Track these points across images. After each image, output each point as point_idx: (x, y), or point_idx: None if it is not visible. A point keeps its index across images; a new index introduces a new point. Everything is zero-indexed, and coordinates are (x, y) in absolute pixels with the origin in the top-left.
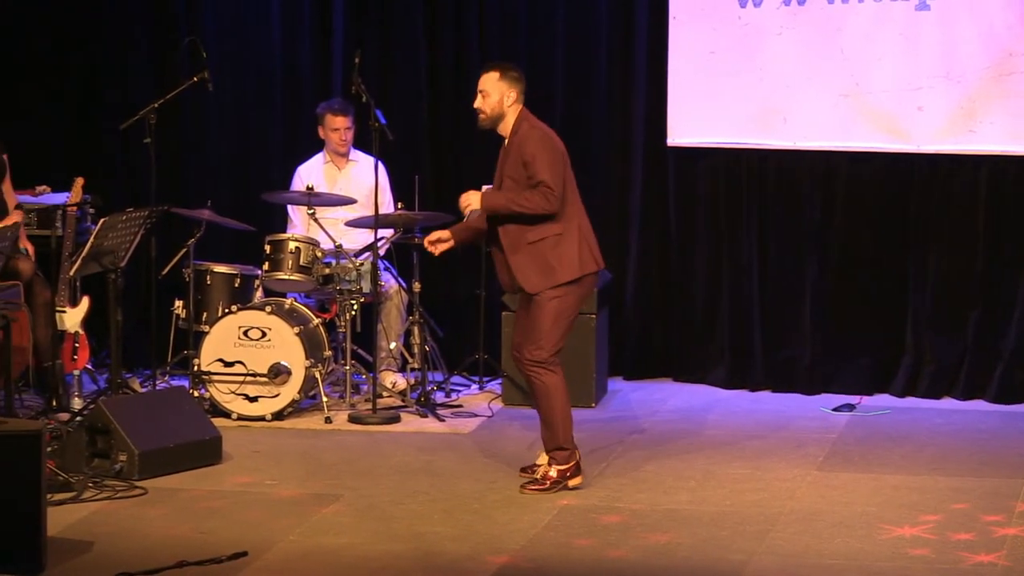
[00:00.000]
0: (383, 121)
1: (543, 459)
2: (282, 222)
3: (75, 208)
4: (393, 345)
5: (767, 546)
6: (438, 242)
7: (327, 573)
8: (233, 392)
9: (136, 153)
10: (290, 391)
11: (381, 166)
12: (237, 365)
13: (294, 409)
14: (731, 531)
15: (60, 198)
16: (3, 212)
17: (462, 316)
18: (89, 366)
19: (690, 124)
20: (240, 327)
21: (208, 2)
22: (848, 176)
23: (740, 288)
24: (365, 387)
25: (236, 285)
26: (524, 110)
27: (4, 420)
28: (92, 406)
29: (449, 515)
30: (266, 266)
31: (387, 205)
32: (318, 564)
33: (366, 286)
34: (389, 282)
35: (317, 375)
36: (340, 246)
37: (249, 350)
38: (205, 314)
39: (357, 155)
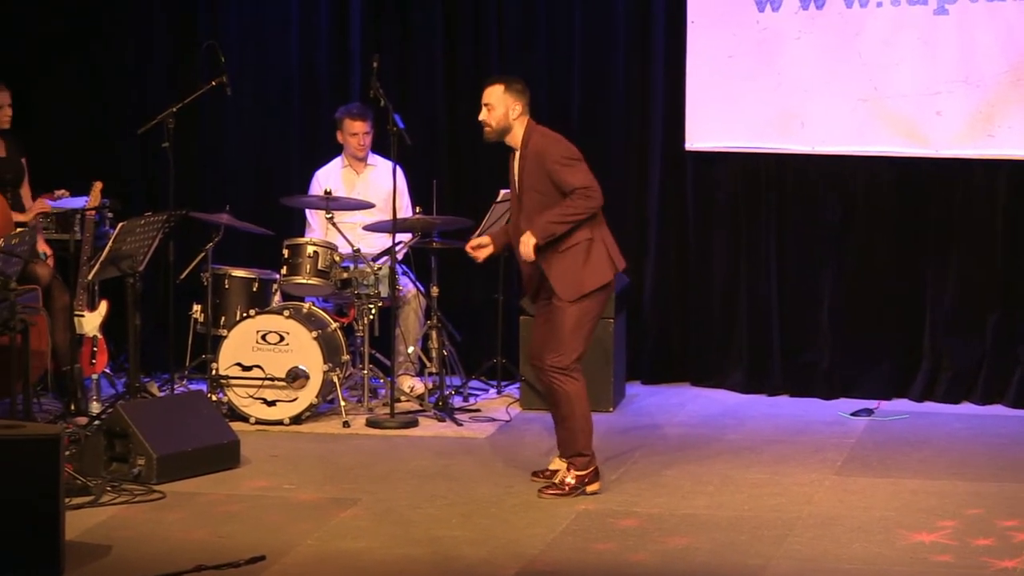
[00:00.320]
0: (401, 125)
1: (556, 464)
2: (300, 226)
3: (93, 212)
4: (411, 349)
5: (785, 551)
6: (479, 248)
7: None
8: (251, 396)
9: (154, 157)
10: (308, 395)
11: (399, 170)
12: (255, 369)
13: (312, 413)
14: (749, 536)
15: (79, 202)
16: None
17: (480, 320)
18: (107, 370)
19: (708, 128)
20: (258, 331)
21: (227, 7)
22: (866, 181)
23: (758, 292)
24: (383, 391)
25: (254, 289)
26: (531, 121)
27: (23, 424)
28: (110, 410)
29: (467, 519)
30: (284, 270)
31: (405, 209)
32: (336, 568)
33: (384, 290)
34: (407, 286)
35: (335, 379)
36: (358, 250)
37: (267, 354)
38: (223, 318)
39: (375, 159)
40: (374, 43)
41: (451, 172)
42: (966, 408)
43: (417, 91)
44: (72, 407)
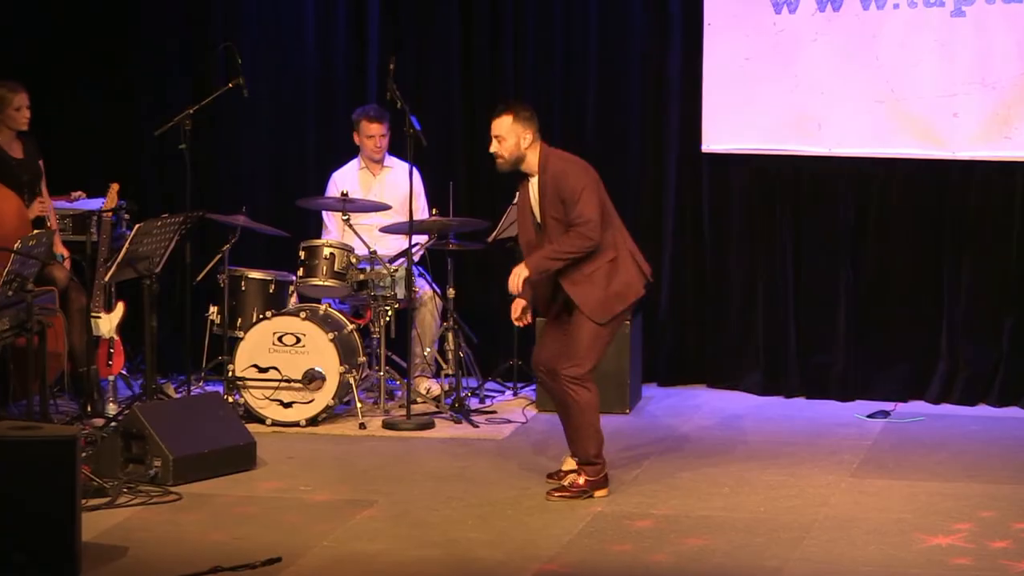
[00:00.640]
0: (418, 127)
1: (568, 464)
2: (317, 228)
3: (110, 214)
4: (427, 351)
5: (801, 553)
6: (523, 314)
7: None
8: (267, 398)
9: (171, 159)
10: (324, 397)
11: (416, 172)
12: (271, 371)
13: (328, 415)
14: (765, 537)
15: (95, 204)
16: (40, 219)
17: (496, 322)
18: (124, 372)
19: (724, 130)
20: (275, 333)
21: (244, 9)
22: (883, 182)
23: (774, 294)
24: (399, 393)
25: (271, 291)
26: (544, 145)
27: (39, 425)
28: (127, 411)
29: (483, 521)
30: (301, 272)
31: (421, 211)
32: (352, 570)
33: (400, 292)
34: (423, 288)
35: (351, 381)
36: (375, 252)
37: (283, 356)
38: (240, 320)
39: (392, 161)
40: (391, 45)
41: (467, 174)
42: (982, 410)
43: (434, 93)
44: (89, 408)
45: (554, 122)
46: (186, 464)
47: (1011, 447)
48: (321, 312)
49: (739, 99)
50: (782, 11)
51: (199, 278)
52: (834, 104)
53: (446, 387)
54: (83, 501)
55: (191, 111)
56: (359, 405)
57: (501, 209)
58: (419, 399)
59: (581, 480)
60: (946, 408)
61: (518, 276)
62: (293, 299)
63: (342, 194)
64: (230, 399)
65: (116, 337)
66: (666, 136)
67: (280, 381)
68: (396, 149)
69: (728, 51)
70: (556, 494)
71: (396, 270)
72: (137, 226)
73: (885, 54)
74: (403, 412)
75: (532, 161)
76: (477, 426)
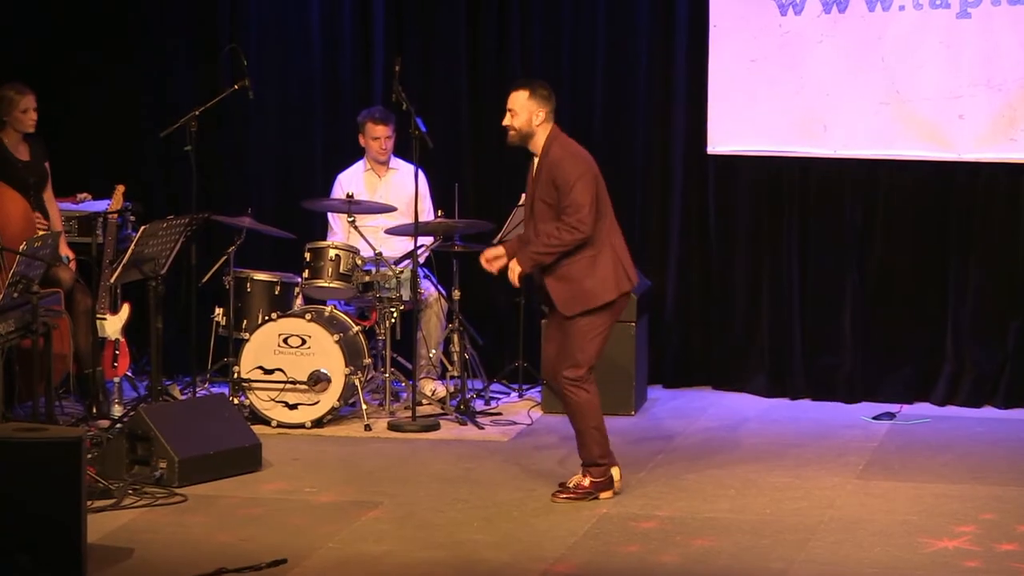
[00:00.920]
0: (423, 129)
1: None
2: (322, 230)
3: (116, 215)
4: (433, 353)
5: (807, 554)
6: (494, 260)
7: None
8: (273, 399)
9: (177, 161)
10: (330, 399)
11: (421, 174)
12: (277, 372)
13: (334, 417)
14: (771, 539)
15: (101, 205)
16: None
17: (502, 324)
18: (129, 373)
19: (730, 132)
20: (280, 334)
21: (250, 10)
22: (888, 184)
23: (780, 296)
24: (404, 395)
25: (276, 292)
26: (555, 128)
27: (45, 427)
28: (132, 413)
29: (489, 523)
30: (306, 273)
31: (427, 213)
32: (357, 571)
33: (406, 294)
34: (429, 289)
35: (357, 383)
36: (380, 254)
37: (289, 357)
38: (245, 321)
39: (397, 163)
40: (396, 46)
41: (473, 175)
42: (988, 412)
43: (439, 94)
44: (94, 410)
45: (561, 124)
46: (191, 466)
47: (1017, 449)
48: (326, 314)
49: (745, 101)
50: (788, 13)
51: (205, 280)
52: (840, 106)
53: (451, 389)
54: (89, 503)
55: (197, 113)
56: (364, 407)
57: (506, 211)
58: (424, 401)
59: (586, 482)
60: (952, 410)
61: (513, 272)
62: (298, 301)
63: (348, 196)
64: (235, 401)
65: (122, 339)
66: (672, 138)
67: (285, 383)
68: (402, 151)
69: (734, 53)
70: (561, 496)
71: (401, 272)
72: (143, 228)
73: (891, 56)
74: (408, 414)
75: (539, 140)
76: (482, 428)
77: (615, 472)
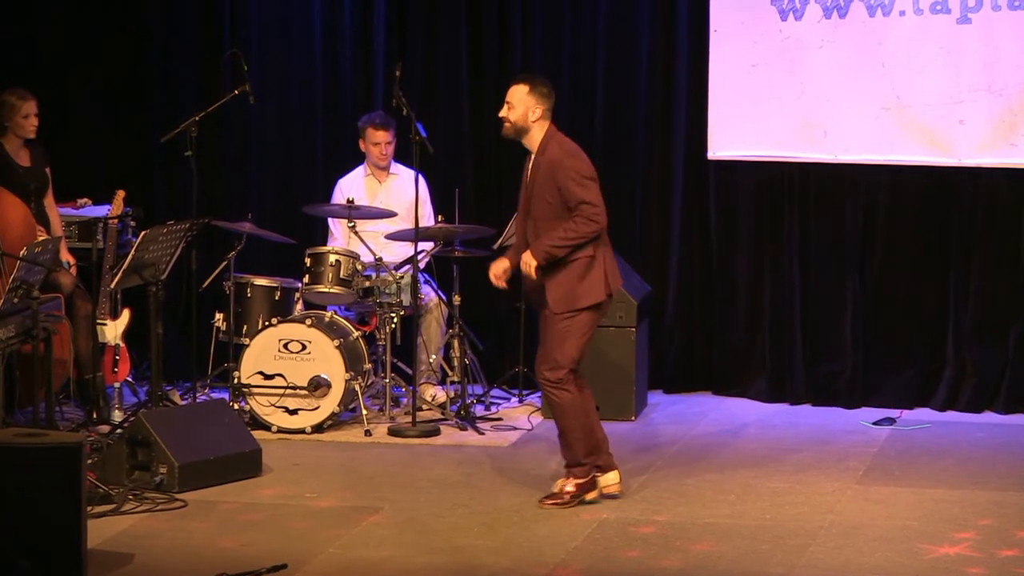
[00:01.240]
0: (424, 134)
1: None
2: (323, 235)
3: (116, 221)
4: (433, 358)
5: (807, 560)
6: (504, 274)
7: None
8: (273, 405)
9: (177, 166)
10: (330, 404)
11: (422, 179)
12: (277, 378)
13: (334, 422)
14: (771, 544)
15: (101, 211)
16: (45, 225)
17: (502, 329)
18: (130, 378)
19: (731, 137)
20: (280, 340)
21: (250, 15)
22: (889, 190)
23: (781, 301)
24: (405, 400)
25: (276, 298)
26: (551, 127)
27: (45, 432)
28: (133, 418)
29: (489, 528)
30: (306, 279)
31: (427, 218)
32: None
33: (406, 299)
34: (429, 295)
35: (357, 388)
36: (380, 259)
37: (289, 363)
38: (245, 327)
39: (398, 168)
40: (397, 52)
41: (473, 181)
42: (988, 417)
43: (440, 100)
44: (94, 415)
45: (561, 128)
46: (192, 471)
47: (1017, 454)
48: (327, 319)
49: (745, 106)
50: (788, 18)
51: (205, 285)
52: (840, 111)
53: (451, 394)
54: (89, 508)
55: (197, 118)
56: (364, 412)
57: (507, 216)
58: (424, 406)
59: (570, 486)
60: (952, 415)
61: (529, 265)
62: (299, 306)
63: (348, 201)
64: (236, 406)
65: (122, 344)
66: (673, 143)
67: (286, 388)
68: (402, 156)
69: (734, 58)
70: (548, 501)
71: (402, 277)
72: (143, 233)
73: (891, 61)
74: (409, 419)
75: (535, 137)
76: (483, 433)
77: (614, 476)
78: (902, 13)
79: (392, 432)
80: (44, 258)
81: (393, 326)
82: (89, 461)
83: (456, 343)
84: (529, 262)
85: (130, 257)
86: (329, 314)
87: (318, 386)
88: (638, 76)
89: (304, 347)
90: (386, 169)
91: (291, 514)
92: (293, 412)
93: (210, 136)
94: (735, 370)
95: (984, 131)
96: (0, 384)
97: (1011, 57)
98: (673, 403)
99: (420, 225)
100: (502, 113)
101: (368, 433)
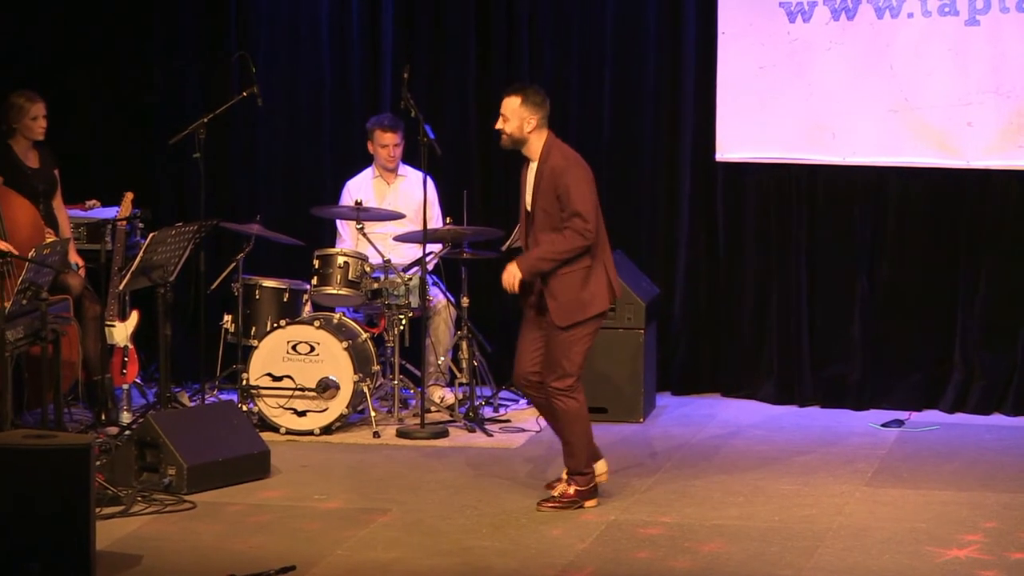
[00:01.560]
0: (432, 136)
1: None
2: (331, 237)
3: (124, 222)
4: (441, 360)
5: (816, 562)
6: (513, 279)
7: None
8: (282, 406)
9: (186, 168)
10: (338, 406)
11: (430, 181)
12: (286, 379)
13: (342, 424)
14: (780, 546)
15: (110, 212)
16: (54, 227)
17: (510, 331)
18: (138, 380)
19: (739, 139)
20: (289, 341)
21: (259, 18)
22: (897, 192)
23: (789, 303)
24: (413, 402)
25: (285, 299)
26: (550, 135)
27: (54, 434)
28: (141, 420)
29: (497, 530)
30: (315, 280)
31: (436, 220)
32: None
33: (414, 301)
34: (437, 297)
35: (365, 390)
36: (389, 261)
37: (298, 364)
38: (254, 328)
39: (406, 170)
40: (405, 54)
41: (481, 183)
42: (997, 419)
43: (448, 102)
44: (103, 417)
45: (569, 131)
46: (200, 472)
47: None
48: (335, 321)
49: (753, 108)
50: (796, 20)
51: (213, 287)
52: (848, 113)
53: (460, 396)
54: (97, 509)
55: (206, 120)
56: (373, 414)
57: (515, 218)
58: (433, 408)
59: (571, 490)
60: (961, 417)
61: (513, 277)
62: (307, 308)
63: (356, 203)
64: (244, 408)
65: (130, 345)
66: (680, 145)
67: (294, 390)
68: (410, 158)
69: (742, 60)
70: (547, 504)
71: (410, 279)
72: (151, 235)
73: (899, 63)
74: (417, 421)
75: (535, 146)
76: (491, 435)
77: (601, 465)
78: (910, 15)
79: (400, 434)
80: (53, 260)
81: (402, 328)
82: (98, 463)
83: (465, 345)
84: (515, 274)
85: (138, 259)
86: (338, 316)
87: (327, 388)
88: (646, 78)
89: (313, 349)
90: (394, 171)
91: (299, 516)
92: (301, 414)
93: (219, 138)
94: (743, 372)
95: (992, 133)
96: (9, 386)
97: (1019, 59)
98: (681, 405)
99: (428, 227)
100: (498, 125)
101: (376, 435)
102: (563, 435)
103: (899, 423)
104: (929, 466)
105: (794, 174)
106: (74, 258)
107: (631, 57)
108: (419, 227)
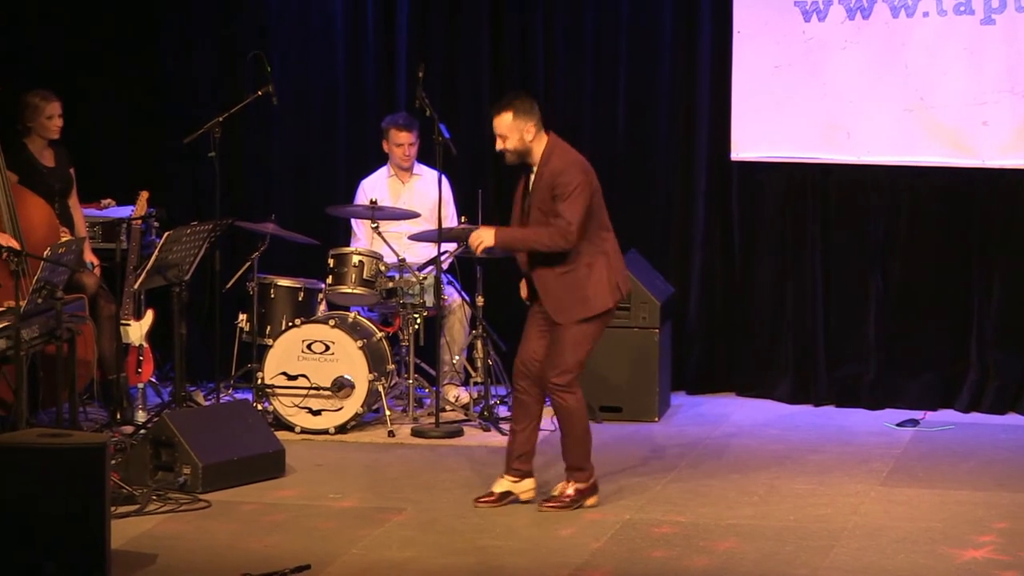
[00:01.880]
0: (447, 135)
1: (500, 486)
2: (346, 236)
3: (140, 221)
4: (456, 359)
5: (831, 561)
6: (480, 240)
7: None
8: (296, 405)
9: (201, 167)
10: (353, 405)
11: (444, 180)
12: (301, 378)
13: (357, 423)
14: (795, 546)
15: (125, 211)
16: (69, 226)
17: None
18: (153, 379)
19: (754, 138)
20: (304, 340)
21: (273, 16)
22: (912, 191)
23: (804, 303)
24: (428, 401)
25: (300, 298)
26: (551, 137)
27: (69, 433)
28: (156, 419)
29: (512, 529)
30: (330, 279)
31: (450, 219)
32: None
33: (429, 300)
34: (452, 296)
35: (380, 389)
36: (403, 260)
37: (312, 363)
38: (269, 327)
39: (421, 169)
40: (420, 53)
41: (496, 182)
42: (1012, 419)
43: (463, 101)
44: (118, 416)
45: (584, 130)
46: (215, 471)
47: None
48: (350, 320)
49: (768, 107)
50: (811, 19)
51: (228, 286)
52: (863, 112)
53: (475, 395)
54: (112, 508)
55: (221, 119)
56: (388, 413)
57: None
58: (448, 407)
59: (570, 489)
60: (976, 417)
61: (480, 239)
62: (322, 307)
63: (371, 202)
64: (259, 407)
65: (145, 344)
66: (695, 144)
67: (309, 389)
68: (425, 157)
69: (758, 59)
70: (548, 505)
71: (425, 278)
72: (166, 234)
73: (914, 62)
74: (432, 420)
75: (537, 152)
76: (506, 434)
77: (529, 483)
78: (925, 14)
79: (415, 433)
80: (68, 259)
81: (416, 327)
82: (113, 462)
83: (479, 344)
84: (486, 237)
85: (154, 258)
86: (352, 315)
87: (341, 387)
88: (661, 77)
89: (327, 348)
90: (409, 170)
91: (314, 515)
92: (316, 413)
93: (233, 137)
94: (758, 371)
95: (1008, 132)
96: (24, 385)
97: None
98: (696, 404)
99: (443, 226)
100: (499, 147)
101: (391, 434)
102: (563, 430)
103: (914, 423)
104: (944, 466)
105: (809, 173)
106: (89, 257)
107: (646, 56)
108: (434, 226)
